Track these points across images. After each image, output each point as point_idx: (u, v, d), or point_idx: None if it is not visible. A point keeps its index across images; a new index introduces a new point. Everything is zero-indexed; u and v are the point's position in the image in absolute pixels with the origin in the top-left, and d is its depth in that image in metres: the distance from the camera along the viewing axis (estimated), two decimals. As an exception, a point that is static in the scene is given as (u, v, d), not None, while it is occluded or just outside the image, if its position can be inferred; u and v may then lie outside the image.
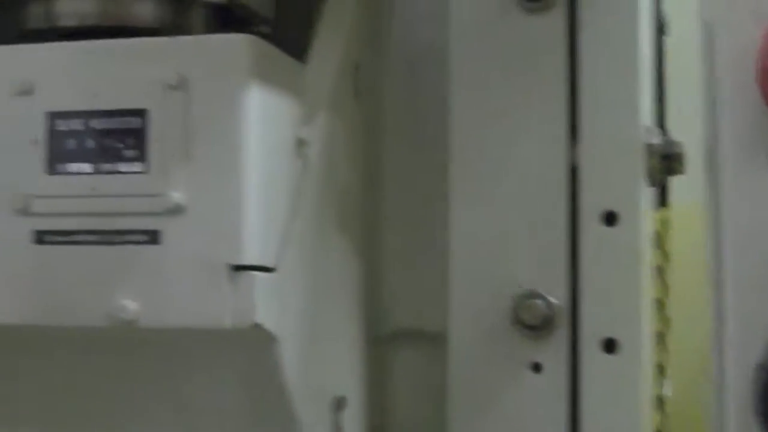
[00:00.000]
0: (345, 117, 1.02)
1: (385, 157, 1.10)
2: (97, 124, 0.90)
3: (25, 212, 0.90)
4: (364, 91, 1.06)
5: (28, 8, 0.99)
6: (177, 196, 0.87)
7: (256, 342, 0.89)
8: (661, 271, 1.12)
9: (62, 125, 0.90)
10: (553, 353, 0.99)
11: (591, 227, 0.99)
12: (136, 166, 0.88)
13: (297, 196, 0.93)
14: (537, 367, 1.00)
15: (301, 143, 0.94)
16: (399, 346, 1.10)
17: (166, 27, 0.98)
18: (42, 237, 0.90)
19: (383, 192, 1.09)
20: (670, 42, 1.15)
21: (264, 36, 0.95)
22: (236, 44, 0.88)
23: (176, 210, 0.87)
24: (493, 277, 1.00)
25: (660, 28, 1.13)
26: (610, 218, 0.99)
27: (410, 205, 1.09)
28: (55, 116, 0.90)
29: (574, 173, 1.00)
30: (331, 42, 1.00)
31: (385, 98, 1.10)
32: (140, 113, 0.88)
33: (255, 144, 0.87)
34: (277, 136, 0.91)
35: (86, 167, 0.90)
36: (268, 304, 0.88)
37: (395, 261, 1.09)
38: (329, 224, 0.99)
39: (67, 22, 0.98)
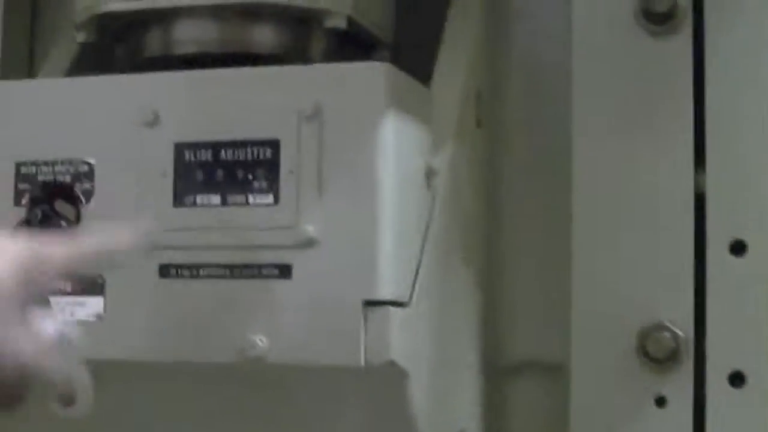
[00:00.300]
0: (468, 145, 0.97)
1: (507, 184, 1.05)
2: (226, 154, 0.85)
3: (156, 246, 0.86)
4: (486, 118, 1.01)
5: (146, 35, 0.95)
6: (309, 229, 0.83)
7: (387, 378, 0.84)
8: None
9: (190, 156, 0.86)
10: (679, 387, 0.94)
11: (719, 257, 0.94)
12: (267, 198, 0.84)
13: (427, 227, 0.89)
14: (662, 401, 0.95)
15: (431, 173, 0.89)
16: (518, 377, 1.05)
17: (286, 53, 0.94)
18: (168, 270, 0.86)
19: (504, 220, 1.04)
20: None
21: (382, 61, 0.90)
22: (373, 72, 0.83)
23: (308, 243, 0.83)
24: (618, 307, 0.95)
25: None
26: (739, 248, 0.94)
27: (531, 233, 1.04)
28: (182, 147, 0.86)
29: (701, 201, 0.95)
30: (453, 68, 0.96)
31: (506, 125, 1.05)
32: (272, 144, 0.84)
33: (390, 175, 0.83)
34: (409, 167, 0.87)
35: (215, 199, 0.85)
36: (401, 340, 0.83)
37: (514, 290, 1.04)
38: (454, 254, 0.95)
39: (186, 49, 0.94)
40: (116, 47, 0.98)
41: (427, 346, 0.89)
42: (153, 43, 0.94)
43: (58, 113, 0.89)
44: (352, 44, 0.97)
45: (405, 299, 0.84)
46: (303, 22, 0.94)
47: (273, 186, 0.84)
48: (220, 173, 0.85)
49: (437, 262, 0.90)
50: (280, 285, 0.83)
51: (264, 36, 0.93)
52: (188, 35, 0.93)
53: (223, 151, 0.85)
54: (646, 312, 0.94)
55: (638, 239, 0.95)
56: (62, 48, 1.04)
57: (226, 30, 0.92)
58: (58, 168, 0.88)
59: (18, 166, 0.89)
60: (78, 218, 0.87)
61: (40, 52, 1.16)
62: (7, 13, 1.12)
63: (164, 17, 0.93)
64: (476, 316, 1.00)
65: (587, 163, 0.96)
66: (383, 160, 0.82)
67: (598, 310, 0.95)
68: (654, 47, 0.95)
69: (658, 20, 0.96)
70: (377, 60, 0.97)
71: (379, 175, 0.82)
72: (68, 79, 0.97)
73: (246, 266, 0.84)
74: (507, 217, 1.04)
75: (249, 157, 0.84)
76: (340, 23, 0.93)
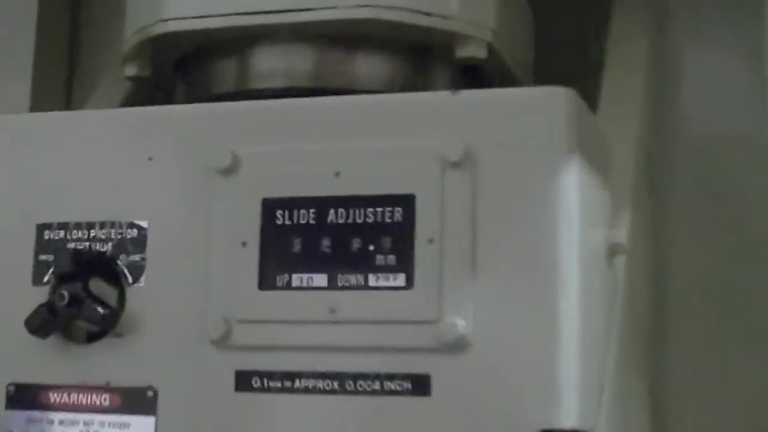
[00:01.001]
0: (642, 216, 0.66)
1: (674, 264, 0.73)
2: (336, 216, 0.56)
3: (224, 344, 0.56)
4: (654, 186, 0.70)
5: (217, 67, 0.67)
6: (458, 324, 0.53)
7: None
8: None
9: (283, 217, 0.56)
10: None
11: None
12: (397, 279, 0.55)
13: (610, 325, 0.57)
14: None
15: (615, 249, 0.58)
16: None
17: (401, 92, 0.64)
18: (248, 380, 0.56)
19: (671, 312, 0.73)
20: None
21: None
22: (554, 101, 0.53)
23: (456, 345, 0.54)
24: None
25: None
26: None
27: (702, 326, 0.72)
28: (272, 205, 0.57)
29: None
30: (622, 120, 0.66)
31: (674, 196, 0.73)
32: (403, 201, 0.55)
33: (574, 248, 0.54)
34: (592, 238, 0.57)
35: (319, 279, 0.56)
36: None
37: (681, 400, 0.72)
38: (630, 357, 0.63)
39: (271, 83, 0.66)
40: (177, 84, 0.68)
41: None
42: (226, 75, 0.66)
43: (97, 157, 0.61)
44: (478, 83, 0.67)
45: (590, 426, 0.53)
46: (426, 50, 0.64)
47: (405, 261, 0.55)
48: (326, 242, 0.56)
49: (619, 371, 0.59)
50: (413, 404, 0.54)
51: (373, 68, 0.64)
52: (274, 65, 0.65)
53: (332, 211, 0.56)
54: None
55: None
56: (111, 84, 0.74)
57: (324, 59, 0.64)
58: (95, 233, 0.60)
59: (40, 229, 0.59)
60: (122, 303, 0.58)
61: (81, 87, 0.86)
62: (40, 41, 0.82)
63: (243, 42, 0.66)
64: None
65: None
66: (565, 227, 0.53)
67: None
68: None
69: None
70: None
71: (560, 247, 0.53)
72: (110, 111, 0.67)
73: (364, 376, 0.55)
74: (675, 302, 0.72)
75: (370, 219, 0.55)
76: (479, 52, 0.63)
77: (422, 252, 0.54)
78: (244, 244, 0.56)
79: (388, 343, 0.54)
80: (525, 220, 0.54)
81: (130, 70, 0.70)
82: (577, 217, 0.54)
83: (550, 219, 0.53)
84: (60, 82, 0.86)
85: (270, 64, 0.65)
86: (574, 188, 0.54)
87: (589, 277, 0.55)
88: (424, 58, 0.66)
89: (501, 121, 0.54)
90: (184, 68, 0.69)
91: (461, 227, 0.54)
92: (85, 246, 0.59)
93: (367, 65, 0.65)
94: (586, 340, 0.54)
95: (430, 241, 0.54)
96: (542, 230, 0.53)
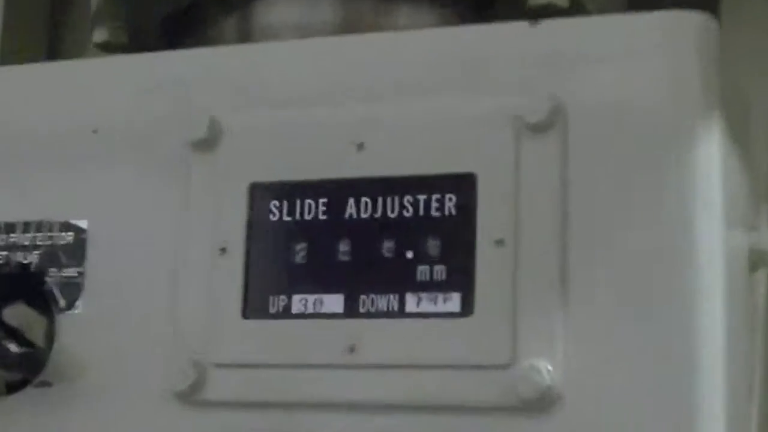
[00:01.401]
0: None
1: None
2: (359, 208, 0.38)
3: (195, 398, 0.39)
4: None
5: (216, 24, 0.49)
6: (542, 369, 0.35)
7: None
8: None
9: (279, 211, 0.38)
10: None
11: None
12: (449, 302, 0.36)
13: (751, 361, 0.40)
14: None
15: (759, 260, 0.40)
16: None
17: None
18: (227, 451, 0.37)
19: None
20: None
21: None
22: (683, 31, 0.35)
23: (540, 401, 0.35)
24: None
25: None
26: None
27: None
28: (263, 193, 0.39)
29: None
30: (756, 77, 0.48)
31: None
32: (459, 184, 0.37)
33: (717, 254, 0.35)
34: (735, 242, 0.37)
35: (332, 302, 0.37)
36: None
37: None
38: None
39: (283, 37, 0.47)
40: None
41: None
42: (224, 32, 0.49)
43: (20, 131, 0.41)
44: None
45: None
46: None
47: (461, 274, 0.36)
48: (343, 247, 0.37)
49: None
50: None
51: (416, 19, 0.47)
52: (284, 16, 0.47)
53: (352, 201, 0.38)
54: None
55: None
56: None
57: (350, 7, 0.46)
58: (16, 238, 0.42)
59: (-58, 234, 0.42)
60: (51, 338, 0.40)
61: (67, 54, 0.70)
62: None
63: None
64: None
65: None
66: (705, 223, 0.34)
67: None
68: None
69: None
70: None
71: (697, 252, 0.34)
72: (36, 66, 0.49)
73: (400, 448, 0.35)
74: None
75: (408, 212, 0.37)
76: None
77: (487, 260, 0.36)
78: (223, 250, 0.38)
79: (436, 397, 0.36)
80: (642, 212, 0.35)
81: (100, 35, 0.52)
82: (720, 209, 0.35)
83: (681, 211, 0.35)
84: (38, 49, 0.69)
85: (280, 14, 0.48)
86: (716, 165, 0.35)
87: (734, 297, 0.36)
88: (483, 7, 0.49)
89: (603, 65, 0.36)
90: (172, 32, 0.52)
91: (545, 222, 0.35)
92: (1, 257, 0.41)
93: (408, 16, 0.47)
94: (732, 385, 0.35)
95: (499, 242, 0.35)
96: (669, 227, 0.35)
